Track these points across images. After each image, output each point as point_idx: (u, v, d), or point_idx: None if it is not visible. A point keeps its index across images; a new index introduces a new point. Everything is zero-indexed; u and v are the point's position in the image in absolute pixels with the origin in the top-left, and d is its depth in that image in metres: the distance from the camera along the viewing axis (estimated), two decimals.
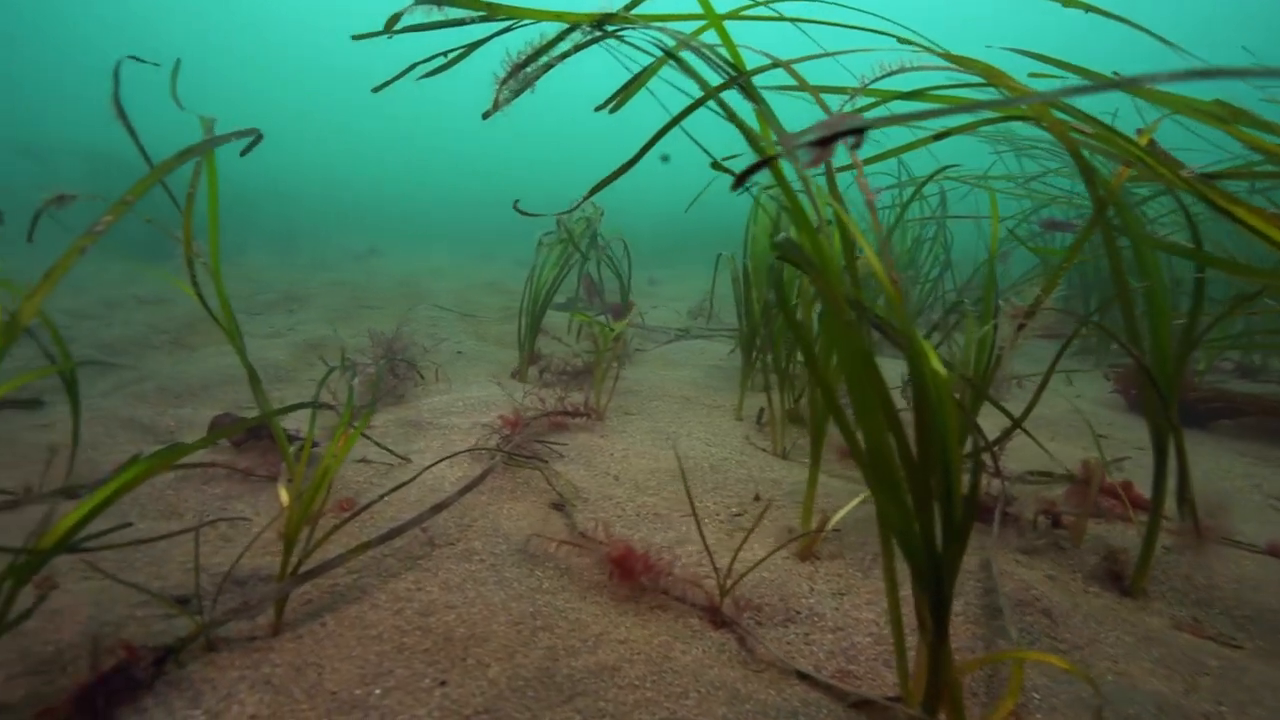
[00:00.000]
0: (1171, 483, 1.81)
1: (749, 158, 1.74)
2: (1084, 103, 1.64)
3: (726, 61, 1.21)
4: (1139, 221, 1.62)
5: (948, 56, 1.49)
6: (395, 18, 1.81)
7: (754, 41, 1.52)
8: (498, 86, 1.59)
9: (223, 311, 1.96)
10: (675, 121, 1.31)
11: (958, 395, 1.29)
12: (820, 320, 2.07)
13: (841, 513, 1.92)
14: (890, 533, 1.35)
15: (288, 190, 16.42)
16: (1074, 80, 1.72)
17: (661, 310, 7.01)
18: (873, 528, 2.08)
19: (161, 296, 6.43)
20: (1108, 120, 1.48)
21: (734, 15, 1.31)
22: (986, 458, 1.97)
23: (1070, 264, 1.58)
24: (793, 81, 1.46)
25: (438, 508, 1.74)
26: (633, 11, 1.35)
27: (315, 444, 2.53)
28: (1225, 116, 1.36)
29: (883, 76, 1.31)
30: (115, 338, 4.50)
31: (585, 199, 1.49)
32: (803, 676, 1.45)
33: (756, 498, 2.30)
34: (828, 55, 1.45)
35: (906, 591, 1.53)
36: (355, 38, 1.96)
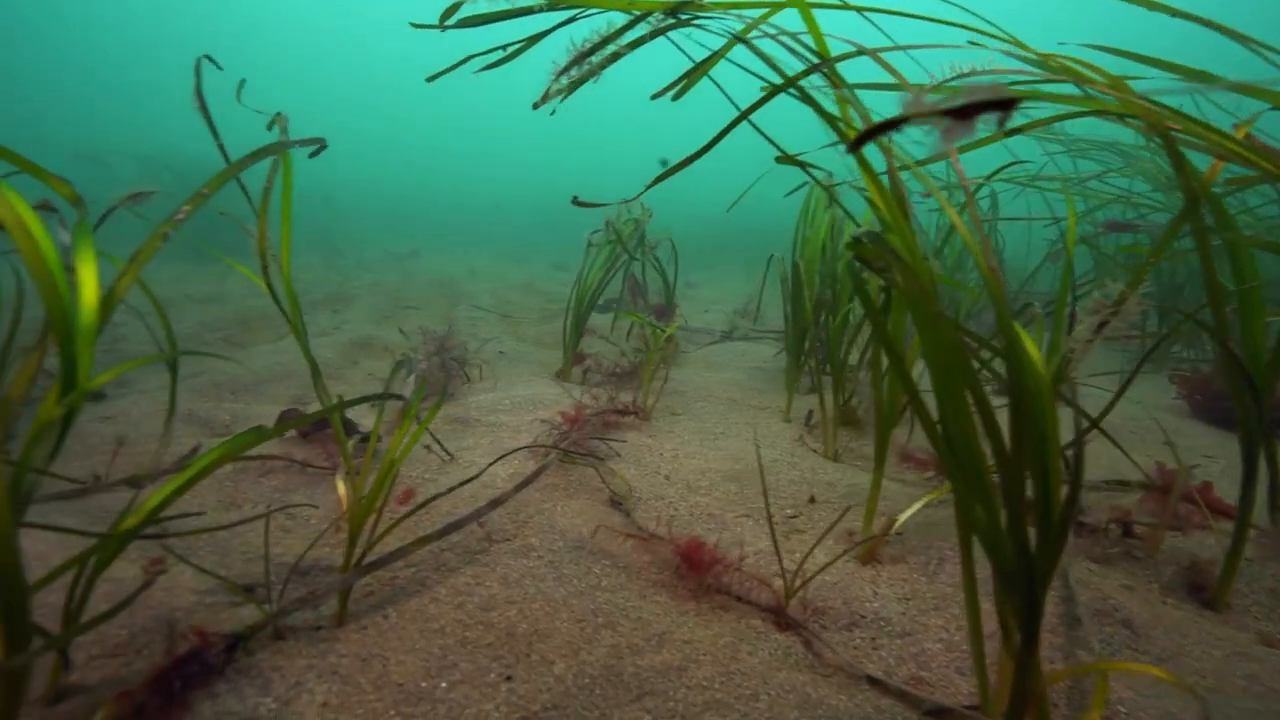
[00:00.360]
0: (1259, 491, 1.72)
1: (803, 153, 1.71)
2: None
3: (808, 49, 1.17)
4: (1231, 218, 1.55)
5: (1025, 48, 1.44)
6: (452, 9, 1.82)
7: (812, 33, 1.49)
8: (554, 76, 1.58)
9: (290, 307, 1.98)
10: (754, 108, 1.28)
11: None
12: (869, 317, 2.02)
13: (906, 515, 1.87)
14: (971, 534, 1.30)
15: (333, 194, 16.76)
16: (1160, 76, 1.65)
17: (701, 311, 6.97)
18: (936, 531, 2.02)
19: (211, 296, 6.58)
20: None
21: (818, 4, 1.27)
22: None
23: (1158, 259, 1.51)
24: (856, 76, 1.43)
25: (495, 503, 1.73)
26: None
27: (378, 438, 2.55)
28: None
29: (968, 75, 1.27)
30: (180, 332, 4.61)
31: (649, 187, 1.46)
32: (873, 682, 1.41)
33: (811, 500, 2.26)
34: (902, 48, 1.41)
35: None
36: (415, 26, 1.98)
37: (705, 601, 1.65)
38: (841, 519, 1.73)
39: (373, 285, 7.96)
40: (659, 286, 4.99)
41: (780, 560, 1.58)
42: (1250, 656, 1.54)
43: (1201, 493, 2.02)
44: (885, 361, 1.93)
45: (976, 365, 1.73)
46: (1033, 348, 1.03)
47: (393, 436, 2.05)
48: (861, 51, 1.12)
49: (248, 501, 2.16)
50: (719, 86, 1.60)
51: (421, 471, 2.32)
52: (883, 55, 1.46)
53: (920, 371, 2.33)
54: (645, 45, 1.58)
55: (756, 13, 1.32)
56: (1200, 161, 1.51)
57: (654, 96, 1.79)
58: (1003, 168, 2.50)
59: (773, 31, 1.18)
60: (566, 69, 1.52)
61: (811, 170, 1.98)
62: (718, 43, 1.64)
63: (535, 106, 1.73)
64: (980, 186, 3.65)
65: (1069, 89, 1.48)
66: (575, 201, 1.74)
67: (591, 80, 1.41)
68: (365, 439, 2.49)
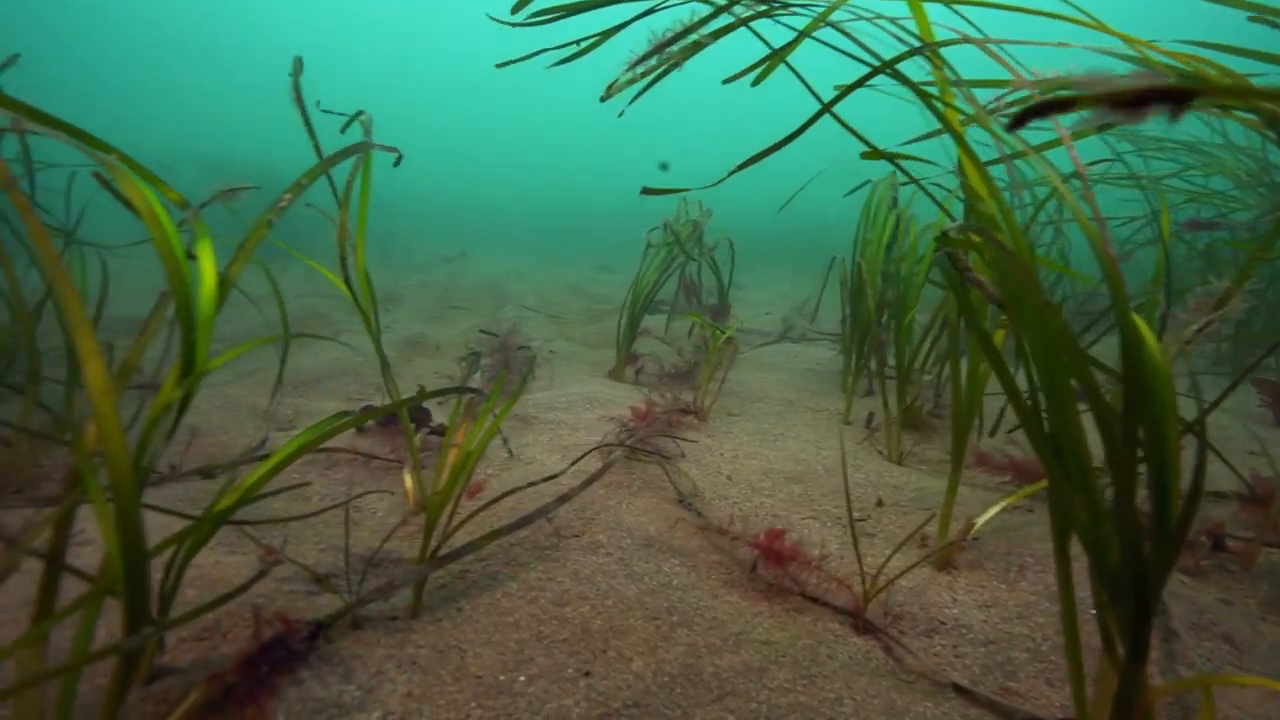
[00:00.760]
0: None
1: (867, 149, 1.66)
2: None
3: (909, 34, 1.14)
4: None
5: (1137, 42, 1.38)
6: (524, 2, 1.82)
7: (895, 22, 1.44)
8: (628, 67, 1.56)
9: (365, 303, 2.01)
10: (848, 91, 1.25)
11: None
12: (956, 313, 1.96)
13: (984, 518, 1.81)
14: (1068, 537, 1.25)
15: (385, 196, 17.14)
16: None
17: (750, 314, 6.91)
18: (1013, 538, 1.95)
19: (267, 295, 6.74)
20: None
21: None
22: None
23: (1264, 254, 1.43)
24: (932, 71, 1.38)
25: (563, 498, 1.73)
26: None
27: (438, 431, 2.57)
28: None
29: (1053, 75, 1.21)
30: (234, 331, 4.74)
31: (730, 175, 1.44)
32: (959, 690, 1.36)
33: (879, 503, 2.20)
34: (1002, 42, 1.36)
35: (1053, 604, 1.41)
36: (492, 19, 1.99)
37: (778, 603, 1.61)
38: (925, 524, 1.67)
39: (421, 285, 8.09)
40: (710, 287, 4.95)
41: (860, 563, 1.54)
42: None
43: None
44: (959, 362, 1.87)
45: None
46: (1151, 338, 0.98)
47: (460, 430, 2.07)
48: (966, 40, 1.08)
49: (315, 494, 2.19)
50: (797, 74, 1.56)
51: (484, 467, 2.33)
52: (965, 47, 1.41)
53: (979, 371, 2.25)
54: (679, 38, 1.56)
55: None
56: None
57: (728, 80, 1.76)
58: (1090, 163, 2.41)
59: (869, 14, 1.14)
60: (644, 58, 1.51)
61: (879, 167, 1.93)
62: (790, 33, 1.62)
63: (603, 99, 1.72)
64: (1068, 180, 3.53)
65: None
66: (645, 190, 1.72)
67: (676, 70, 1.39)
68: (432, 432, 2.51)
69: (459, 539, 1.69)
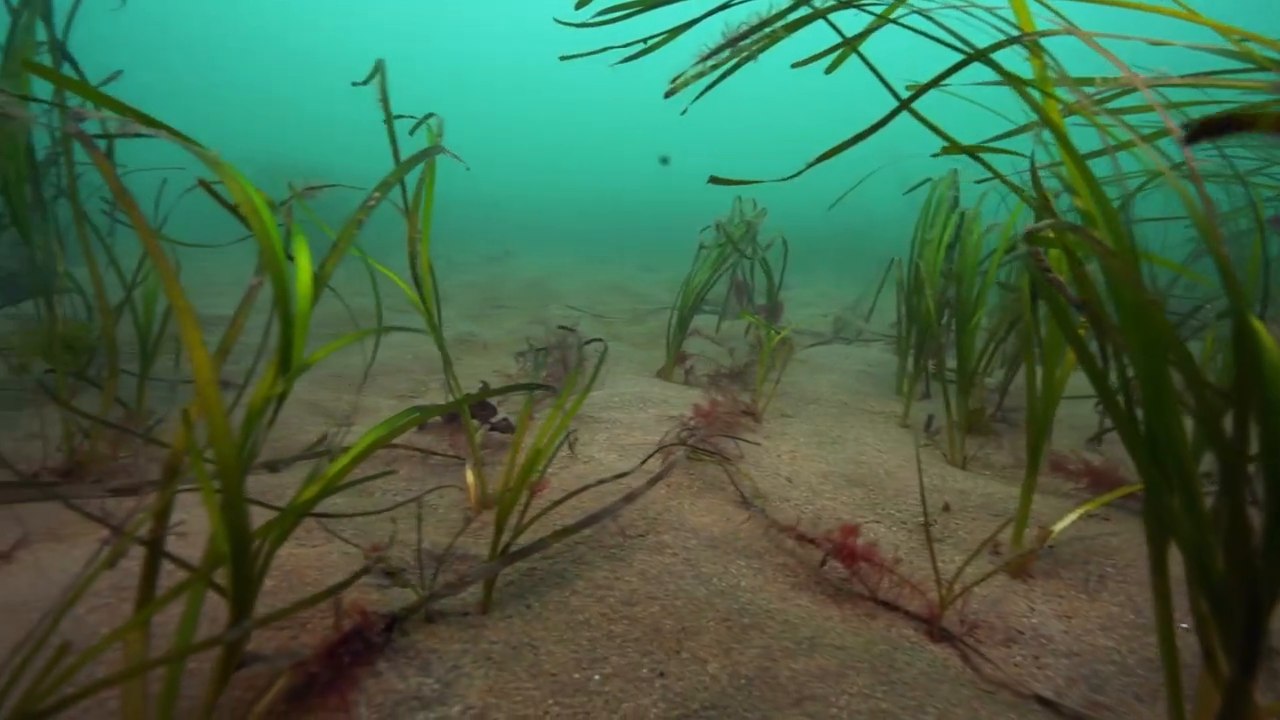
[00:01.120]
0: None
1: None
2: None
3: (1003, 22, 1.10)
4: None
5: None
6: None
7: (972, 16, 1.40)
8: (698, 60, 1.55)
9: (427, 301, 2.04)
10: (940, 79, 1.22)
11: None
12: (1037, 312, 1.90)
13: (1062, 525, 1.75)
14: (1165, 546, 1.20)
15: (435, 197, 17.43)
16: None
17: (796, 315, 6.84)
18: (1092, 547, 1.89)
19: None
20: None
21: None
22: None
23: None
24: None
25: (630, 497, 1.71)
26: None
27: (499, 428, 2.59)
28: None
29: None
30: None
31: (807, 168, 1.41)
32: (1044, 703, 1.31)
33: (946, 508, 2.15)
34: (1101, 36, 1.31)
35: (1138, 617, 1.35)
36: (558, 22, 1.99)
37: (849, 607, 1.58)
38: (1000, 531, 1.63)
39: (467, 285, 8.19)
40: (761, 287, 4.91)
41: (936, 569, 1.50)
42: None
43: None
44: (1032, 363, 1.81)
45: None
46: (1265, 332, 0.93)
47: (522, 429, 2.08)
48: (1070, 32, 1.04)
49: (378, 490, 2.22)
50: (870, 66, 1.53)
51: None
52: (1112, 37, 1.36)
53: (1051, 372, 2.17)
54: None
55: None
56: None
57: (794, 65, 1.73)
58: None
59: (959, 2, 1.11)
60: (717, 51, 1.49)
61: (934, 165, 1.87)
62: (861, 23, 1.58)
63: (669, 95, 1.71)
64: (1132, 194, 3.40)
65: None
66: (713, 179, 1.70)
67: (751, 62, 1.37)
68: (493, 428, 2.53)
69: (524, 536, 1.70)
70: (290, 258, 1.21)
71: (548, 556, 1.70)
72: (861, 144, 1.45)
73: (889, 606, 1.57)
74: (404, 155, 1.97)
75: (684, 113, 1.93)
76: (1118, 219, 1.03)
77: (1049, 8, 1.45)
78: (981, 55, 1.11)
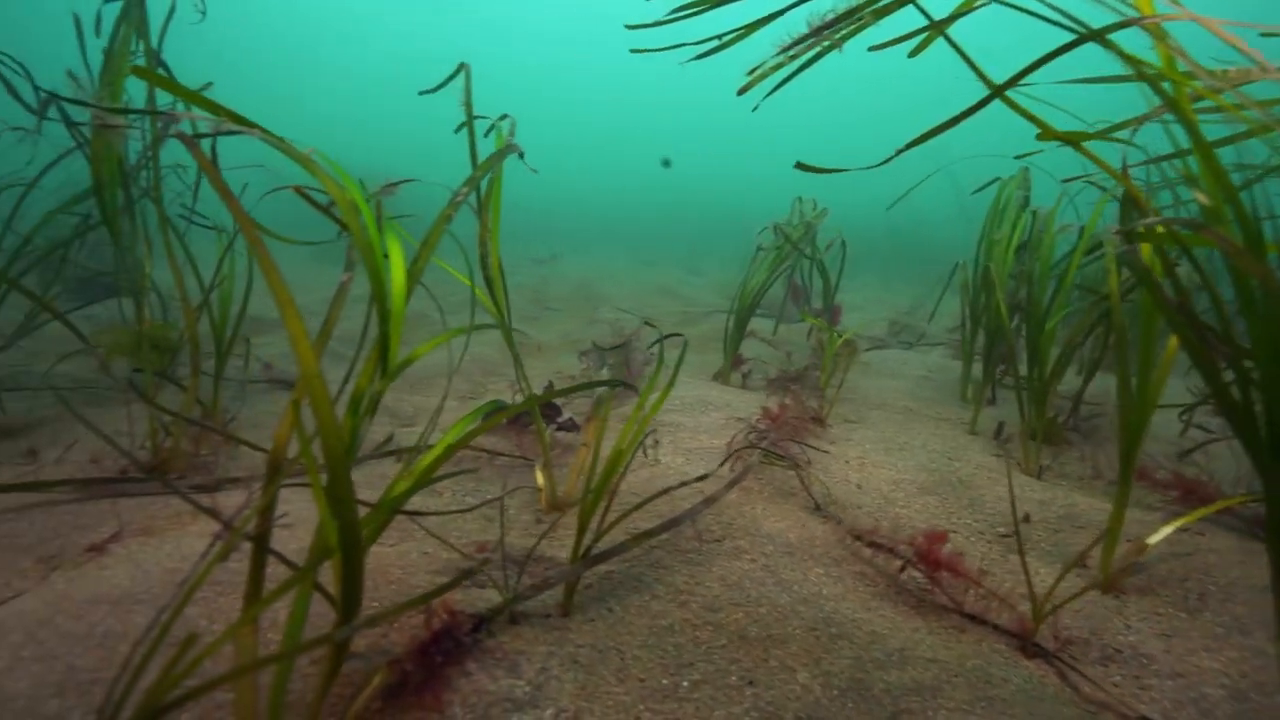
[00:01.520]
0: None
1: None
2: None
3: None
4: None
5: None
6: None
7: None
8: (780, 50, 1.52)
9: (499, 302, 2.05)
10: (1044, 61, 1.17)
11: None
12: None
13: (1157, 537, 1.67)
14: None
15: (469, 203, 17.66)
16: None
17: (848, 319, 6.75)
18: (1190, 563, 1.80)
19: (366, 295, 7.04)
20: None
21: None
22: None
23: None
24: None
25: (709, 500, 1.69)
26: None
27: (566, 427, 2.60)
28: None
29: None
30: (345, 330, 4.96)
31: (896, 155, 1.38)
32: None
33: (1026, 518, 2.08)
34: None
35: (1245, 637, 1.28)
36: (629, 28, 1.99)
37: (934, 619, 1.54)
38: (1095, 544, 1.56)
39: (515, 287, 8.27)
40: (815, 289, 4.84)
41: (1029, 582, 1.45)
42: None
43: None
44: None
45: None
46: None
47: (590, 428, 2.08)
48: (1192, 18, 0.99)
49: (446, 490, 2.24)
50: (959, 50, 1.49)
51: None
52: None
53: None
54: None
55: None
56: None
57: (871, 48, 1.69)
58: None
59: None
60: (803, 40, 1.47)
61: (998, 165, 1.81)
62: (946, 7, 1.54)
63: (740, 92, 1.69)
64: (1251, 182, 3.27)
65: None
66: (799, 165, 1.67)
67: (836, 51, 1.35)
68: (559, 429, 2.54)
69: (600, 538, 1.69)
70: (385, 255, 1.23)
71: (624, 560, 1.69)
72: (908, 145, 1.42)
73: (977, 620, 1.52)
74: (461, 159, 2.01)
75: (755, 109, 1.91)
76: (1248, 215, 0.98)
77: None
78: (1097, 35, 1.07)
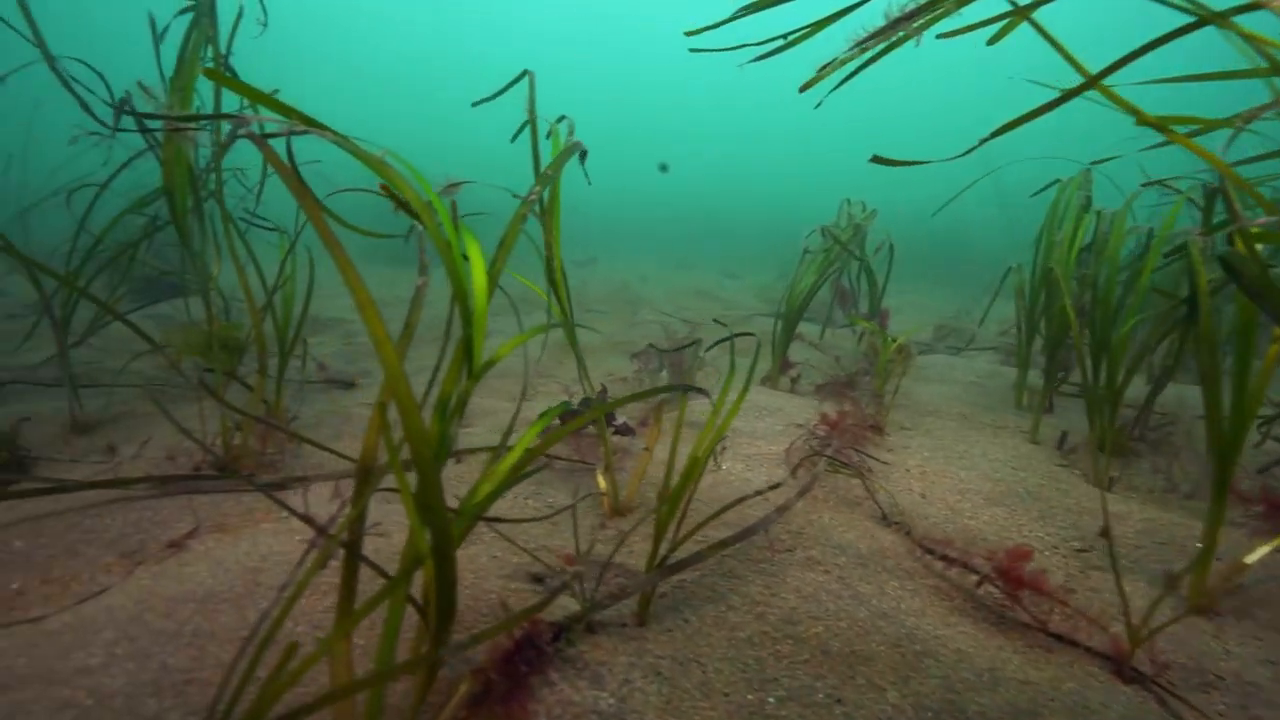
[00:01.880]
0: None
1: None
2: None
3: None
4: None
5: None
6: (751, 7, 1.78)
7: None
8: (854, 45, 1.49)
9: (564, 303, 2.05)
10: (1157, 44, 1.12)
11: None
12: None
13: (1254, 557, 1.60)
14: None
15: (503, 210, 17.84)
16: None
17: (891, 324, 6.65)
18: None
19: (397, 298, 7.12)
20: None
21: None
22: None
23: None
24: None
25: (781, 509, 1.67)
26: None
27: (623, 431, 2.58)
28: None
29: None
30: (395, 332, 5.02)
31: (984, 142, 1.34)
32: None
33: (1103, 533, 2.01)
34: None
35: None
36: (688, 34, 1.97)
37: (1018, 638, 1.49)
38: (1196, 564, 1.50)
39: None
40: (860, 292, 4.77)
41: (1125, 603, 1.39)
42: None
43: None
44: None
45: None
46: None
47: (649, 432, 2.06)
48: None
49: (509, 493, 2.24)
50: (1049, 37, 1.44)
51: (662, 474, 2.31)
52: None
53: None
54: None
55: None
56: None
57: (946, 35, 1.65)
58: None
59: None
60: (879, 33, 1.43)
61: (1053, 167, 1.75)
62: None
63: (802, 89, 1.65)
64: None
65: None
66: (875, 159, 1.63)
67: (913, 42, 1.32)
68: (618, 432, 2.53)
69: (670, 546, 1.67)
70: (465, 256, 1.22)
71: (696, 569, 1.67)
72: (946, 147, 1.37)
73: (1065, 640, 1.47)
74: (476, 160, 2.00)
75: (818, 106, 1.87)
76: None
77: None
78: (1220, 18, 1.02)
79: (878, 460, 2.50)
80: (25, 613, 1.44)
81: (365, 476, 1.12)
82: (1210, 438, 1.66)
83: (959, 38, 1.45)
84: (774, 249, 13.42)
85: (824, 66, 1.62)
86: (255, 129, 1.07)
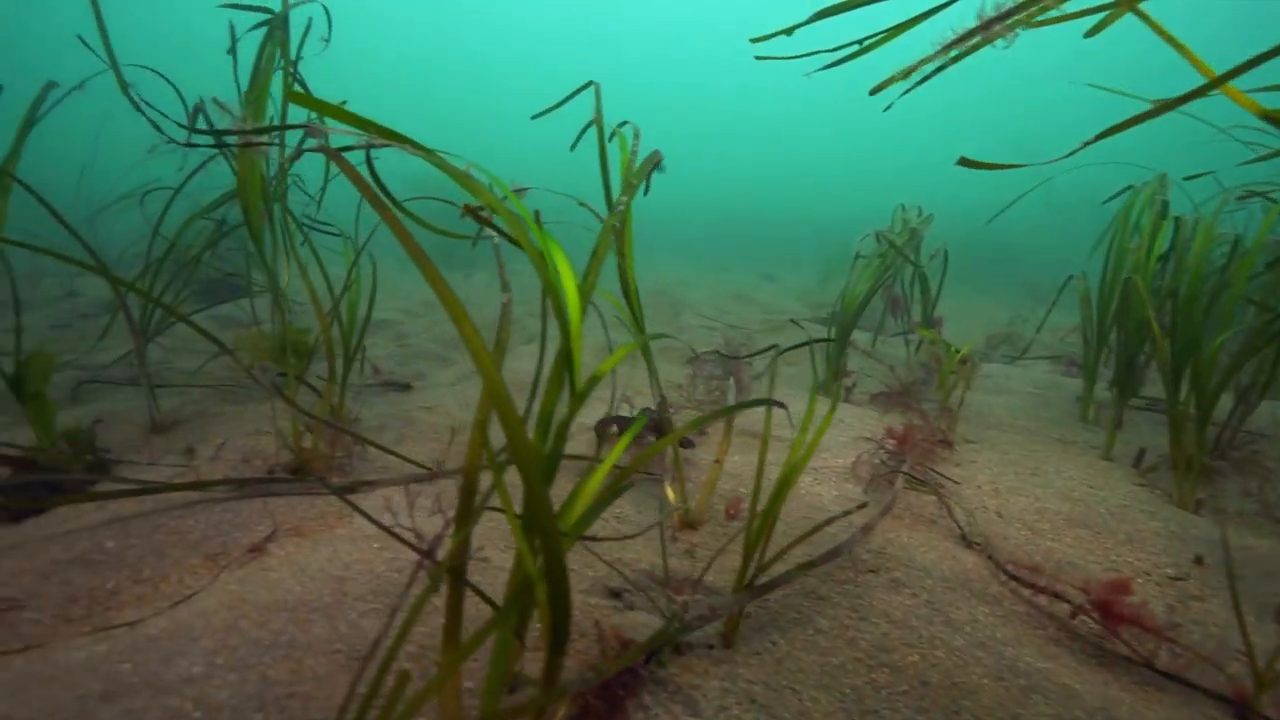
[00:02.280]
0: None
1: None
2: None
3: None
4: None
5: None
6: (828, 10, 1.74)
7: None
8: (943, 47, 1.44)
9: (637, 314, 2.03)
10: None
11: None
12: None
13: None
14: None
15: (546, 209, 17.97)
16: None
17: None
18: None
19: (468, 300, 7.17)
20: None
21: None
22: None
23: None
24: None
25: (866, 528, 1.63)
26: None
27: (685, 444, 2.55)
28: None
29: None
30: (449, 335, 5.06)
31: (1093, 141, 1.28)
32: None
33: (1199, 560, 1.92)
34: None
35: None
36: (753, 40, 1.93)
37: (1123, 674, 1.43)
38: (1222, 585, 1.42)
39: (598, 294, 8.29)
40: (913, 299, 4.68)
41: (1246, 639, 1.32)
42: None
43: None
44: None
45: None
46: None
47: (720, 444, 2.02)
48: None
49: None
50: (1155, 24, 1.37)
51: (735, 484, 2.28)
52: None
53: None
54: None
55: None
56: None
57: (1042, 22, 1.59)
58: None
59: None
60: (971, 34, 1.38)
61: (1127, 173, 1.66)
62: None
63: (873, 91, 1.61)
64: None
65: None
66: (962, 161, 1.57)
67: (1004, 44, 1.27)
68: (680, 444, 2.50)
69: (729, 560, 1.64)
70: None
71: (781, 590, 1.63)
72: (992, 155, 1.31)
73: (1176, 679, 1.40)
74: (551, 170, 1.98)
75: (888, 109, 1.82)
76: None
77: None
78: None
79: (946, 477, 2.44)
80: (120, 613, 1.46)
81: (469, 499, 1.10)
82: None
83: (1003, 41, 1.39)
84: (808, 250, 13.27)
85: (910, 70, 1.57)
86: (330, 142, 1.07)
